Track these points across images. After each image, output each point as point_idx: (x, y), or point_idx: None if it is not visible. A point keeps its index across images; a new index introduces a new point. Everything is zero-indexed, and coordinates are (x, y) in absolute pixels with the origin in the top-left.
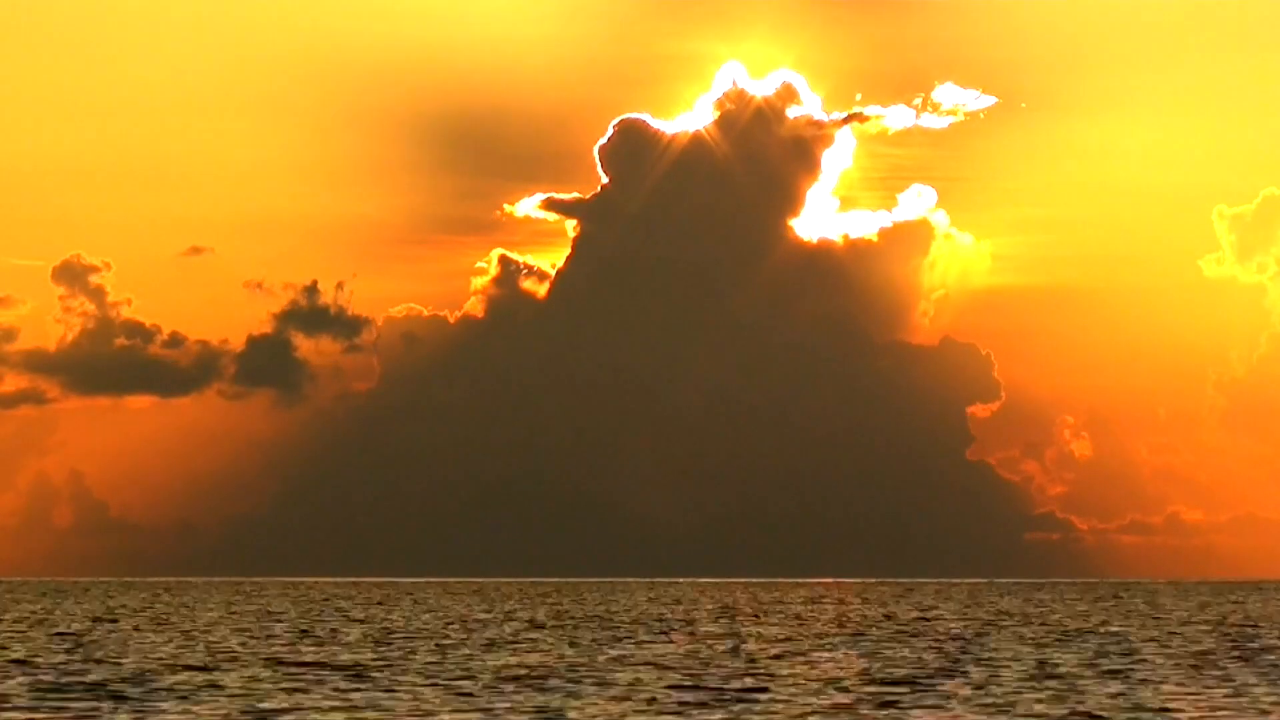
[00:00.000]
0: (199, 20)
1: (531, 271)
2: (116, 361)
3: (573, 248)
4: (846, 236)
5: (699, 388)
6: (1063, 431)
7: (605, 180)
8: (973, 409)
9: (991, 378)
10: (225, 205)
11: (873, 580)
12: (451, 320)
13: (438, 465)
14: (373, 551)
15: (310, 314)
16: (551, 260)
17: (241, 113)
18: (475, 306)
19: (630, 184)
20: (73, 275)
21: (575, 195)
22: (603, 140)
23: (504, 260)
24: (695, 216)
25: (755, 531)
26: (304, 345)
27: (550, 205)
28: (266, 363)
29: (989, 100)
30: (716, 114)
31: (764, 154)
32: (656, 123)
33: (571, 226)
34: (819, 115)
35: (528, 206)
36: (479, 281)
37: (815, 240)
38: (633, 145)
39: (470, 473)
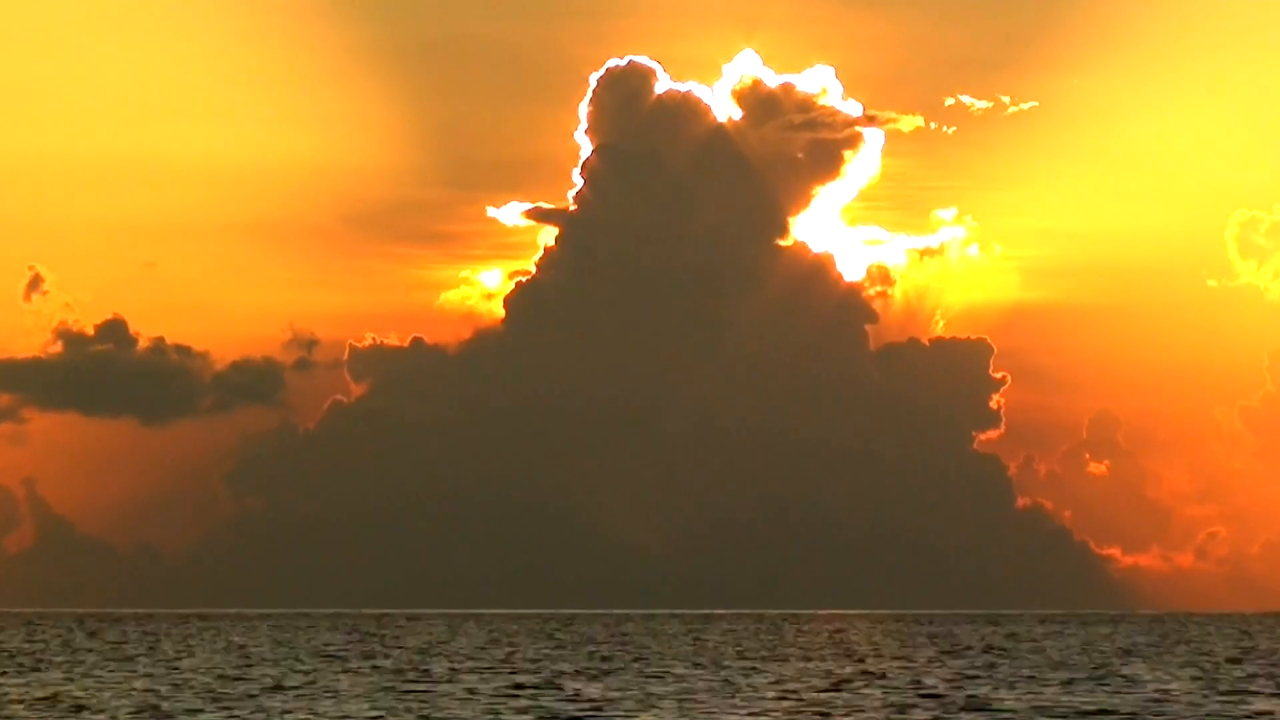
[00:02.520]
0: (161, 25)
1: (513, 283)
2: (85, 376)
3: (555, 259)
4: (860, 246)
5: (690, 406)
6: (1083, 453)
7: (591, 149)
8: (979, 431)
9: (1004, 393)
10: (201, 214)
11: (886, 612)
12: (427, 340)
13: (414, 489)
14: (351, 580)
15: (286, 332)
16: (532, 272)
17: (209, 118)
18: (457, 324)
19: (623, 180)
20: (38, 288)
21: (560, 205)
22: (594, 85)
23: (486, 274)
24: (696, 221)
25: (751, 560)
26: (280, 364)
27: (535, 215)
28: (241, 381)
29: (1020, 107)
30: (729, 104)
31: (774, 150)
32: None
33: (554, 237)
34: (834, 115)
35: (513, 215)
36: (458, 295)
37: (824, 251)
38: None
39: (447, 499)
